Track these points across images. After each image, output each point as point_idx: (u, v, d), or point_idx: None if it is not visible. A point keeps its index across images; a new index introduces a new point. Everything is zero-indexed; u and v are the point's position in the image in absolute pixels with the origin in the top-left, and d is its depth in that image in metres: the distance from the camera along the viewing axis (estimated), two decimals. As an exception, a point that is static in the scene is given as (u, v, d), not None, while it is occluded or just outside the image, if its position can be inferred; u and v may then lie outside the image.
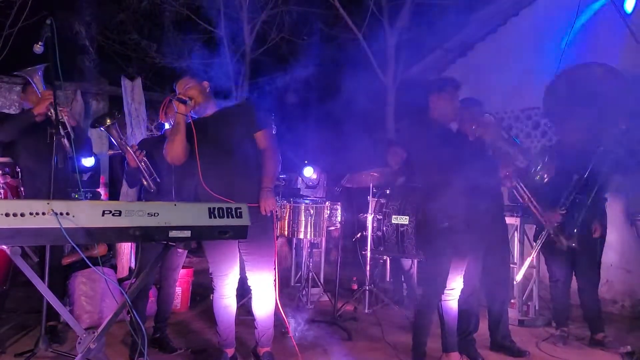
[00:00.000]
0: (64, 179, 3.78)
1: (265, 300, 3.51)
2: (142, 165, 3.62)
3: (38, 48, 3.32)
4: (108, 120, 3.52)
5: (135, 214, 2.15)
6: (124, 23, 9.94)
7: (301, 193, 6.55)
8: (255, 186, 3.43)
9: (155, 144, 3.80)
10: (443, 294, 3.64)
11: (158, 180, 3.68)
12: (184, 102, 3.28)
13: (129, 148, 3.59)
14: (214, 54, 10.33)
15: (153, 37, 10.15)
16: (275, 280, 3.54)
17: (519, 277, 4.44)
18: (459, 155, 3.51)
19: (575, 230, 3.98)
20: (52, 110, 3.44)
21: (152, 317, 4.67)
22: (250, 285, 3.52)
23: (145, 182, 3.70)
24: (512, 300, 5.09)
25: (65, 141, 3.52)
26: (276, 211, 3.60)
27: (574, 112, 5.47)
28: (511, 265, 4.97)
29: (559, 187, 4.14)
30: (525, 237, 5.16)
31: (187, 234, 2.27)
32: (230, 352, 3.56)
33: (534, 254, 4.31)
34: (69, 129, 3.53)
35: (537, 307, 5.09)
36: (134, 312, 2.14)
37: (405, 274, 5.75)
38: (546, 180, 3.99)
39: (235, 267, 3.46)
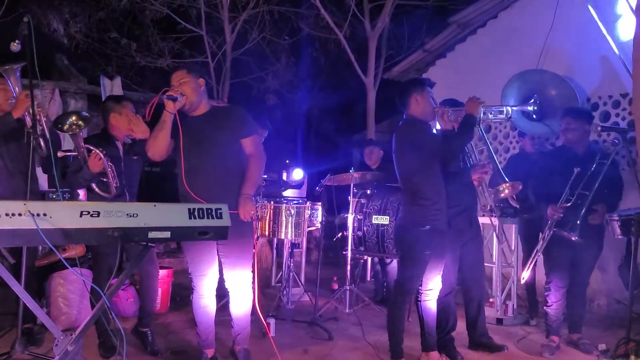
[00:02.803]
0: (36, 179, 3.73)
1: (242, 300, 3.52)
2: (109, 171, 3.54)
3: (15, 46, 3.27)
4: (75, 128, 3.39)
5: (114, 214, 2.13)
6: (104, 21, 9.84)
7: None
8: (236, 192, 3.41)
9: (99, 142, 3.66)
10: (421, 293, 3.67)
11: (118, 185, 3.62)
12: (173, 100, 3.23)
13: (97, 152, 3.47)
14: (194, 53, 10.28)
15: (133, 35, 10.06)
16: (254, 282, 3.54)
17: (525, 275, 4.40)
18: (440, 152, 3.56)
19: (578, 222, 3.86)
20: (30, 110, 3.38)
21: (131, 318, 4.65)
22: (227, 287, 3.52)
23: (97, 189, 3.61)
24: (491, 299, 5.15)
25: (42, 142, 3.45)
26: (256, 215, 3.60)
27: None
28: (489, 265, 5.04)
29: (562, 182, 4.06)
30: (503, 236, 5.23)
31: (167, 234, 2.26)
32: (210, 352, 3.55)
33: (536, 255, 4.21)
34: (46, 130, 3.46)
35: (515, 306, 5.16)
36: (112, 313, 2.12)
37: (382, 271, 5.78)
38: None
39: (214, 267, 3.46)
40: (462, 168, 3.98)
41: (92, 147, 3.48)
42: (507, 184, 3.82)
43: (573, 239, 3.91)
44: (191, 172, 3.34)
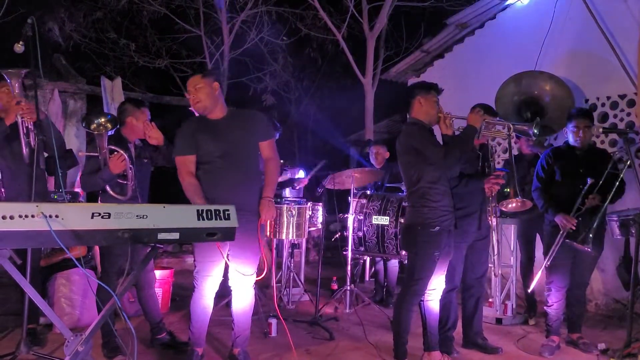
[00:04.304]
0: (43, 180, 3.74)
1: (244, 300, 3.56)
2: (130, 172, 3.55)
3: (19, 47, 3.27)
4: (102, 129, 3.40)
5: (124, 216, 2.14)
6: (101, 21, 9.83)
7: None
8: (255, 194, 3.48)
9: (113, 144, 3.64)
10: (424, 293, 3.69)
11: (135, 186, 3.62)
12: None
13: (122, 152, 3.49)
14: (192, 53, 10.29)
15: (131, 36, 10.06)
16: (273, 284, 3.52)
17: (532, 286, 4.43)
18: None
19: (590, 236, 3.86)
20: (33, 112, 3.39)
21: (133, 318, 4.66)
22: (230, 285, 3.55)
23: (111, 191, 3.60)
24: (490, 299, 5.19)
25: (25, 149, 3.47)
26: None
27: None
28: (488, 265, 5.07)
29: (574, 190, 4.09)
30: (503, 236, 5.25)
31: (176, 236, 2.27)
32: (200, 350, 3.60)
33: (547, 261, 4.17)
34: (32, 138, 3.46)
35: (514, 306, 5.19)
36: (124, 314, 2.14)
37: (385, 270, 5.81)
38: None
39: (220, 267, 3.48)
40: (480, 172, 4.01)
41: (116, 148, 3.50)
42: (518, 200, 3.85)
43: (587, 249, 3.93)
44: (213, 173, 3.40)
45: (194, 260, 3.50)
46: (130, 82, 9.85)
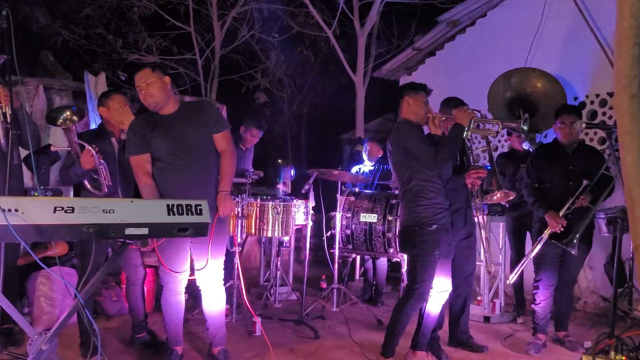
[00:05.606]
0: (19, 176, 3.66)
1: (215, 299, 3.50)
2: (101, 168, 3.45)
3: (-7, 39, 3.20)
4: (69, 123, 3.32)
5: (90, 210, 2.07)
6: (90, 17, 9.74)
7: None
8: (213, 190, 3.41)
9: (93, 139, 3.58)
10: (429, 296, 3.63)
11: (110, 183, 3.55)
12: None
13: (90, 148, 3.40)
14: (183, 50, 10.21)
15: (121, 32, 9.97)
16: (240, 281, 3.50)
17: (511, 278, 4.40)
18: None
19: (576, 239, 3.83)
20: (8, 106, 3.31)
21: (115, 317, 4.59)
22: (199, 285, 3.50)
23: (89, 186, 3.54)
24: (479, 298, 5.14)
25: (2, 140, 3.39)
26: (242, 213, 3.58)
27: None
28: (477, 263, 5.01)
29: (563, 187, 4.07)
30: (491, 234, 5.21)
31: (145, 231, 2.20)
32: (180, 349, 3.54)
33: (531, 255, 4.15)
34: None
35: (502, 304, 5.15)
36: (87, 312, 2.07)
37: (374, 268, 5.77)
38: None
39: (187, 263, 3.44)
40: (459, 167, 3.96)
41: (84, 144, 3.42)
42: (502, 191, 3.81)
43: (572, 252, 3.89)
44: (169, 170, 3.33)
45: (160, 258, 3.43)
46: (120, 79, 9.76)
